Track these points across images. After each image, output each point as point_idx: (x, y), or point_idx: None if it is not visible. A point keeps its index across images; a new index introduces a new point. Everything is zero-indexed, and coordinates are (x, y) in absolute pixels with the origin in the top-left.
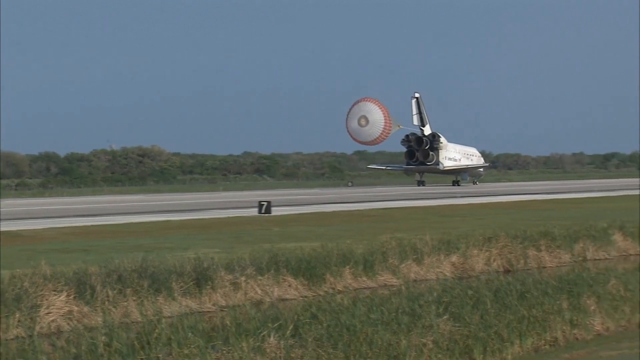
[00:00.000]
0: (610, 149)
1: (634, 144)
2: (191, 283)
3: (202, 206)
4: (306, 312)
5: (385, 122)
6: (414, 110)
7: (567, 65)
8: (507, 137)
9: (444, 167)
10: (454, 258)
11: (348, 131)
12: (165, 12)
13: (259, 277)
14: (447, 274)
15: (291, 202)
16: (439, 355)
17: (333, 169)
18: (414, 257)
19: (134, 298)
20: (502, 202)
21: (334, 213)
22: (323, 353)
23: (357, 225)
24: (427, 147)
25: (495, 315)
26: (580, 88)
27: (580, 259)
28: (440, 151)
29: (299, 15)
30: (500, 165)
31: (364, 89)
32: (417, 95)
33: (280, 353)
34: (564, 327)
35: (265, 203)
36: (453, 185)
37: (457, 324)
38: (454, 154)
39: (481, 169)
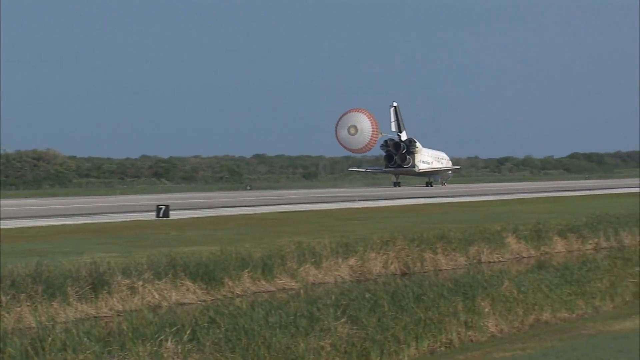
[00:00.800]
0: (504, 153)
1: (526, 148)
2: (87, 288)
3: (99, 210)
4: (204, 316)
5: (373, 131)
6: (392, 118)
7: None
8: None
9: (419, 169)
10: (352, 261)
11: (338, 140)
12: (59, 10)
13: (157, 282)
14: (346, 277)
15: (190, 205)
16: (337, 358)
17: (232, 173)
18: (313, 260)
19: (28, 304)
20: (399, 206)
21: (232, 217)
22: (221, 357)
23: (256, 228)
24: (404, 152)
25: (392, 318)
26: (478, 94)
27: (475, 261)
28: (415, 155)
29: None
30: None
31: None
32: (395, 104)
33: (177, 357)
34: (459, 329)
35: (163, 207)
36: (426, 185)
37: (354, 327)
38: (427, 158)
39: (450, 172)
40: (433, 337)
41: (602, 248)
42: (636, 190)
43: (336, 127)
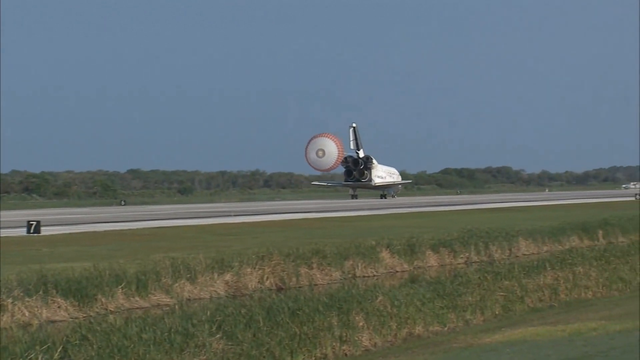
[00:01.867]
0: None
1: (399, 163)
2: None
3: None
4: (76, 334)
5: (339, 153)
6: (351, 137)
7: None
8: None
9: (375, 183)
10: (227, 277)
11: (308, 161)
12: None
13: (27, 299)
14: (221, 292)
15: (62, 221)
16: None
17: (105, 188)
18: (188, 276)
19: None
20: (275, 221)
21: (106, 232)
22: None
23: (130, 244)
24: (362, 167)
25: (268, 333)
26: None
27: (350, 276)
28: (372, 170)
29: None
30: (274, 185)
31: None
32: (354, 125)
33: None
34: (334, 343)
35: (34, 223)
36: (381, 198)
37: (230, 343)
38: (382, 173)
39: (400, 185)
40: (308, 352)
41: (473, 262)
42: (505, 205)
43: (306, 150)
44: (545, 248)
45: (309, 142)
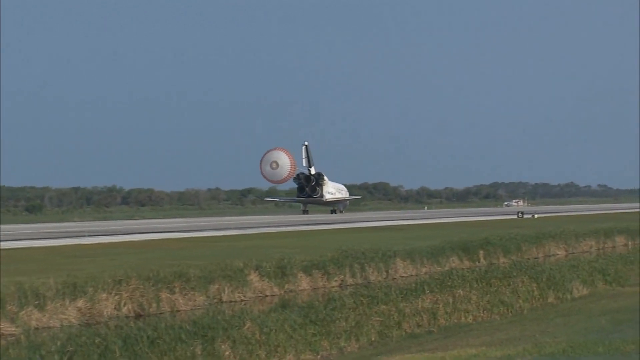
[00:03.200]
0: (247, 184)
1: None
2: None
3: None
4: None
5: (292, 166)
6: (304, 155)
7: None
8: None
9: (326, 199)
10: (80, 303)
11: (262, 174)
12: None
13: None
14: (73, 320)
15: None
16: None
17: None
18: (36, 302)
19: None
20: (134, 241)
21: None
22: None
23: None
24: (313, 184)
25: None
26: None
27: (216, 301)
28: (323, 187)
29: None
30: (132, 202)
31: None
32: (306, 143)
33: None
34: None
35: None
36: (331, 213)
37: None
38: (332, 189)
39: (347, 201)
40: None
41: (348, 285)
42: (382, 223)
43: (260, 163)
44: (424, 269)
45: (263, 156)
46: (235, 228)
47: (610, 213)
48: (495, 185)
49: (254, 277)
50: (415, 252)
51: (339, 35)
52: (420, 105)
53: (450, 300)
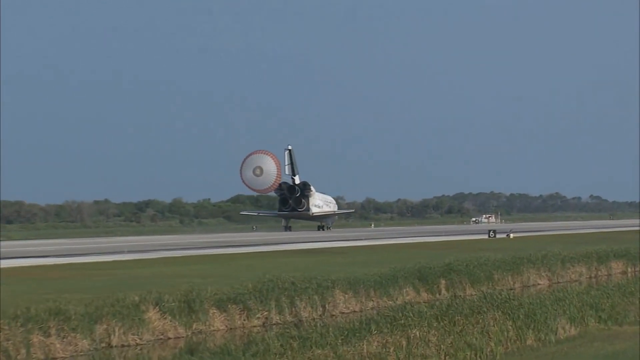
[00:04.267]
0: (145, 196)
1: (173, 190)
2: None
3: None
4: None
5: (278, 173)
6: (287, 161)
7: None
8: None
9: (312, 213)
10: None
11: (242, 180)
12: None
13: None
14: None
15: None
16: None
17: None
18: None
19: None
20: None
21: None
22: None
23: None
24: (298, 195)
25: None
26: None
27: (103, 345)
28: (309, 199)
29: None
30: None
31: None
32: (289, 147)
33: None
34: None
35: None
36: (318, 229)
37: None
38: (319, 202)
39: (336, 216)
40: None
41: (274, 324)
42: (318, 245)
43: (241, 168)
44: (370, 304)
45: (245, 159)
46: (130, 252)
47: (605, 232)
48: (460, 197)
49: (153, 314)
50: (360, 282)
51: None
52: (365, 100)
53: (404, 342)
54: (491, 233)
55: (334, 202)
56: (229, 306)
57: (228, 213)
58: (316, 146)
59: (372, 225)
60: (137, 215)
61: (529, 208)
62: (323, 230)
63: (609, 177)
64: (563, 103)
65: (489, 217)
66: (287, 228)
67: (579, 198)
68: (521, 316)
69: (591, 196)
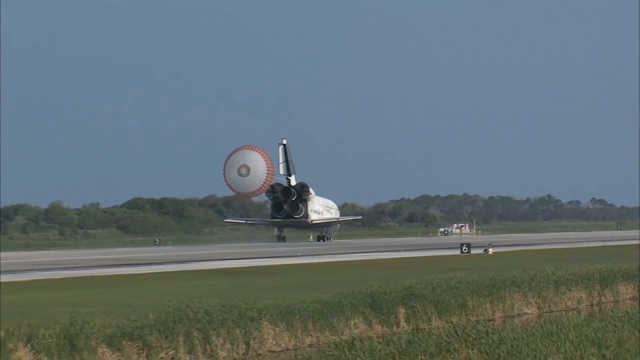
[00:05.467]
0: (14, 200)
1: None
2: None
3: None
4: None
5: (268, 172)
6: (281, 158)
7: None
8: None
9: (312, 220)
10: None
11: (226, 181)
12: None
13: None
14: None
15: None
16: None
17: None
18: None
19: None
20: None
21: None
22: None
23: None
24: (294, 199)
25: None
26: None
27: None
28: (308, 203)
29: None
30: None
31: None
32: (284, 141)
33: None
34: None
35: None
36: (318, 240)
37: None
38: (319, 207)
39: (338, 224)
40: None
41: None
42: (237, 264)
43: (224, 167)
44: (308, 339)
45: (228, 157)
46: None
47: (612, 246)
48: (424, 201)
49: (23, 353)
50: (294, 311)
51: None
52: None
53: None
54: (464, 248)
55: (336, 207)
56: (123, 343)
57: (123, 222)
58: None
59: (310, 237)
60: (4, 225)
61: (514, 215)
62: (324, 240)
63: (614, 177)
64: (559, 88)
65: (462, 226)
66: (281, 238)
67: (578, 202)
68: (502, 355)
69: (593, 200)
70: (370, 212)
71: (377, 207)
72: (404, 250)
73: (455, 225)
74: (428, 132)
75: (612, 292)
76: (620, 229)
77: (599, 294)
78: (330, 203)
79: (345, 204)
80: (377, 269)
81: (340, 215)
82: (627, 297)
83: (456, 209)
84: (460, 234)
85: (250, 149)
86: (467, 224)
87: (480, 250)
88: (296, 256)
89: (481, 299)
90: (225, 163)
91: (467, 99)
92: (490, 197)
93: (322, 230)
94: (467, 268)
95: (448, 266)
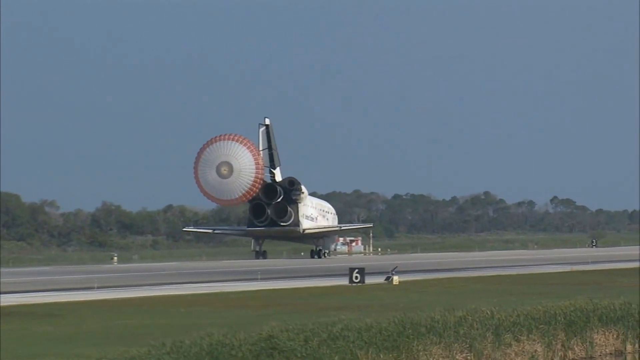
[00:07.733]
0: None
1: None
2: None
3: None
4: None
5: (257, 170)
6: (262, 145)
7: None
8: None
9: (303, 229)
10: None
11: (200, 184)
12: None
13: None
14: None
15: None
16: None
17: None
18: None
19: None
20: None
21: None
22: None
23: None
24: (280, 200)
25: None
26: None
27: None
28: (299, 206)
29: None
30: None
31: None
32: (267, 121)
33: None
34: None
35: None
36: (312, 257)
37: None
38: (312, 211)
39: (337, 234)
40: None
41: None
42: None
43: (196, 165)
44: None
45: (202, 149)
46: None
47: (584, 271)
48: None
49: None
50: None
51: None
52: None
53: None
54: (355, 275)
55: (333, 211)
56: None
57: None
58: None
59: (116, 259)
60: None
61: (432, 224)
62: (318, 256)
63: (588, 168)
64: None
65: (352, 242)
66: (260, 254)
67: (532, 204)
68: None
69: (554, 200)
70: (209, 215)
71: (216, 211)
72: (260, 280)
73: (341, 239)
74: None
75: (582, 344)
76: (595, 245)
77: (563, 346)
78: (327, 206)
79: (169, 205)
80: (218, 308)
81: None
82: (607, 351)
83: (342, 213)
84: (349, 251)
85: (233, 139)
86: (360, 238)
87: (381, 279)
88: (93, 288)
89: (381, 355)
90: (197, 159)
91: None
92: (396, 196)
93: (317, 243)
94: (359, 306)
95: (330, 304)
